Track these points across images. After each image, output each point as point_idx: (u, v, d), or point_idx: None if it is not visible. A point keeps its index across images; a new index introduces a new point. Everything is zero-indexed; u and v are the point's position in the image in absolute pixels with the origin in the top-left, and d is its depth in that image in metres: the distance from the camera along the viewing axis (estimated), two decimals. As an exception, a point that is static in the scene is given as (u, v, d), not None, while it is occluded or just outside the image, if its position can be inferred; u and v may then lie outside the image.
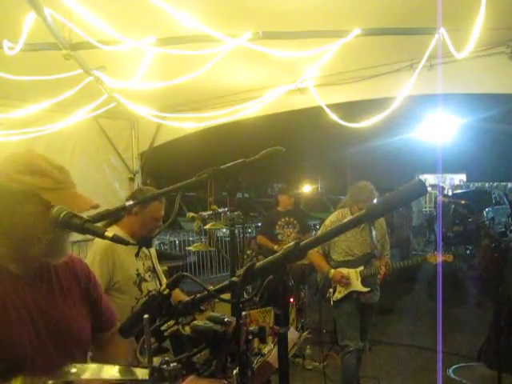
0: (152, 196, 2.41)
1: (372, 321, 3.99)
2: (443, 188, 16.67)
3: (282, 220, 5.83)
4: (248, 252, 6.03)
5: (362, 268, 3.80)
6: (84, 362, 1.43)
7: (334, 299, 3.83)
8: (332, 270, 3.82)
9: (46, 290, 1.42)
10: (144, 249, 2.69)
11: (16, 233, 1.33)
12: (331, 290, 3.83)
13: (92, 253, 2.53)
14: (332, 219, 3.93)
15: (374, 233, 3.86)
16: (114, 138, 5.65)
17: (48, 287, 1.43)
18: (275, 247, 5.51)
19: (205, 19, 2.47)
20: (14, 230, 1.33)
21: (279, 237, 5.77)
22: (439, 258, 3.69)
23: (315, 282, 4.19)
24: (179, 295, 2.50)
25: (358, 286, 3.79)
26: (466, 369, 4.56)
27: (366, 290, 3.78)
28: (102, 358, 1.57)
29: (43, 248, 1.33)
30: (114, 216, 2.38)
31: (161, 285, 2.68)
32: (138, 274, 2.62)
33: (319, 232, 5.60)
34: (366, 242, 3.84)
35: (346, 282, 3.76)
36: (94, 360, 1.56)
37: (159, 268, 2.79)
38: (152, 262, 2.75)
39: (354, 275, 3.79)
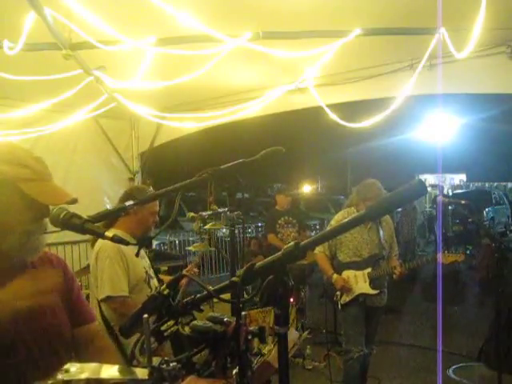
0: (152, 196, 2.41)
1: (378, 325, 3.86)
2: (443, 188, 16.67)
3: (282, 219, 5.85)
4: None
5: (369, 270, 3.67)
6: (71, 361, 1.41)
7: (342, 302, 3.71)
8: (335, 276, 3.69)
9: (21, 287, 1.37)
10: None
11: None
12: (338, 293, 3.71)
13: (105, 257, 2.50)
14: (338, 219, 3.76)
15: (381, 233, 3.73)
16: (114, 138, 5.65)
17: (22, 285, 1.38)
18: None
19: (205, 19, 2.47)
20: None
21: (279, 236, 5.79)
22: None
23: (322, 283, 4.09)
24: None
25: (366, 288, 3.66)
26: (466, 369, 4.55)
27: (374, 292, 3.66)
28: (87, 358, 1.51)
29: (16, 241, 1.30)
30: (113, 216, 2.38)
31: (158, 281, 2.70)
32: (146, 272, 2.64)
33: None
34: (374, 243, 3.71)
35: (347, 289, 3.64)
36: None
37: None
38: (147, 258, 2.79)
39: (361, 277, 3.66)
